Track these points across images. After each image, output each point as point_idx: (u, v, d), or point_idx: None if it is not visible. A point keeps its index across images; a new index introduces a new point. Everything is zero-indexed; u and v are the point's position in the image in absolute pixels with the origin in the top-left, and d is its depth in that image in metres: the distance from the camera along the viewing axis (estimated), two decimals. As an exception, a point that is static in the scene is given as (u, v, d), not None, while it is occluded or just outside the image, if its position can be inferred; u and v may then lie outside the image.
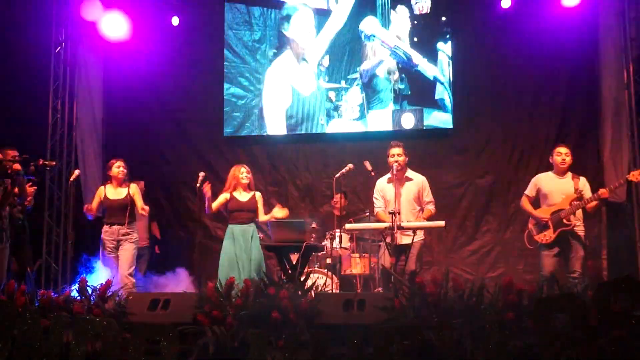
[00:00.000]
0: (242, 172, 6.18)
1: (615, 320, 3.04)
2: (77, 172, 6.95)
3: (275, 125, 8.13)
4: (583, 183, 5.65)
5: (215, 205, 6.06)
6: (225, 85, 8.19)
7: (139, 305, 4.09)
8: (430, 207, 5.71)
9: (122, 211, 6.04)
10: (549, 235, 5.51)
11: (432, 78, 7.77)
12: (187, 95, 8.38)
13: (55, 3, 8.12)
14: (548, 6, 7.46)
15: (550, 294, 3.64)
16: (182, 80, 8.37)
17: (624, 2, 7.08)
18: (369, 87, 7.99)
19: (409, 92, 7.87)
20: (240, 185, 6.17)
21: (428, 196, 5.74)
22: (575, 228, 5.49)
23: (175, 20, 8.19)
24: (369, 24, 8.03)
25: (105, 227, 6.11)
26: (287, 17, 8.19)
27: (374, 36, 7.99)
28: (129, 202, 6.05)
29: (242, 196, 6.16)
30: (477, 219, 7.61)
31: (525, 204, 5.79)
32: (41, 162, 6.11)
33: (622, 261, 7.10)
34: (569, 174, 5.70)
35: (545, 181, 5.72)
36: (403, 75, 7.91)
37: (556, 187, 5.64)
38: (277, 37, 8.19)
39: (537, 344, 3.11)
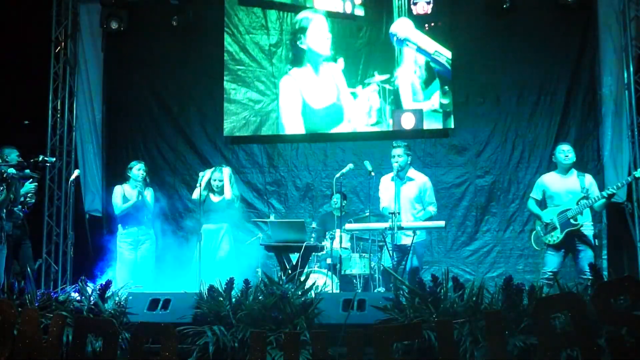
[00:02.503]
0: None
1: (616, 320, 3.04)
2: (77, 172, 6.98)
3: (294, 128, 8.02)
4: (589, 181, 5.61)
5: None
6: (243, 89, 8.11)
7: (139, 305, 4.09)
8: (431, 209, 5.71)
9: None
10: (556, 236, 5.47)
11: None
12: (187, 95, 8.38)
13: (55, 3, 8.13)
14: (548, 6, 7.47)
15: (550, 294, 3.65)
16: (182, 80, 8.36)
17: (624, 2, 7.09)
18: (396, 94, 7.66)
19: (452, 108, 7.51)
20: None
21: (430, 197, 5.74)
22: (582, 228, 5.44)
23: (175, 20, 8.17)
24: (402, 26, 7.37)
25: None
26: (303, 30, 7.95)
27: (408, 40, 7.32)
28: None
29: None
30: (477, 219, 7.61)
31: (532, 206, 5.76)
32: (41, 157, 6.13)
33: (622, 261, 7.11)
34: (574, 172, 5.66)
35: (551, 181, 5.68)
36: (446, 87, 7.49)
37: (563, 186, 5.59)
38: (292, 49, 7.98)
39: (537, 344, 3.11)
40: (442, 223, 5.32)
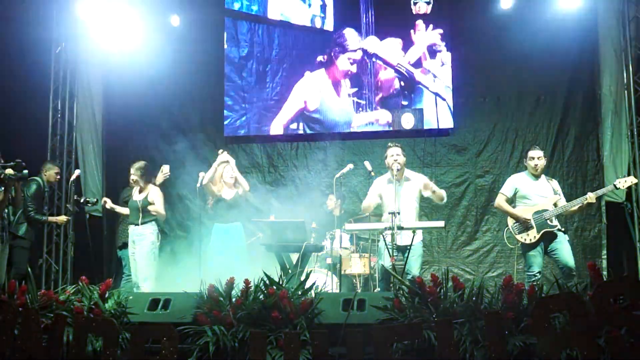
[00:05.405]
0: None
1: (615, 320, 3.04)
2: (77, 172, 6.97)
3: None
4: (557, 186, 5.68)
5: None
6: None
7: (139, 305, 4.09)
8: (442, 191, 5.66)
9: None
10: (532, 236, 5.47)
11: (434, 94, 7.80)
12: (187, 96, 8.38)
13: (55, 3, 8.12)
14: (548, 6, 7.47)
15: (550, 294, 3.64)
16: (182, 80, 8.36)
17: (624, 2, 7.09)
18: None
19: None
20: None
21: (434, 185, 5.67)
22: (556, 228, 5.50)
23: (175, 20, 8.18)
24: (371, 44, 8.02)
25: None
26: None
27: (377, 55, 7.96)
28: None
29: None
30: (477, 219, 7.62)
31: (502, 203, 5.70)
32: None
33: (622, 261, 7.11)
34: (543, 176, 5.70)
35: (522, 182, 5.68)
36: (406, 92, 7.87)
37: (534, 188, 5.62)
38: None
39: (537, 344, 3.11)
40: (442, 223, 5.31)
